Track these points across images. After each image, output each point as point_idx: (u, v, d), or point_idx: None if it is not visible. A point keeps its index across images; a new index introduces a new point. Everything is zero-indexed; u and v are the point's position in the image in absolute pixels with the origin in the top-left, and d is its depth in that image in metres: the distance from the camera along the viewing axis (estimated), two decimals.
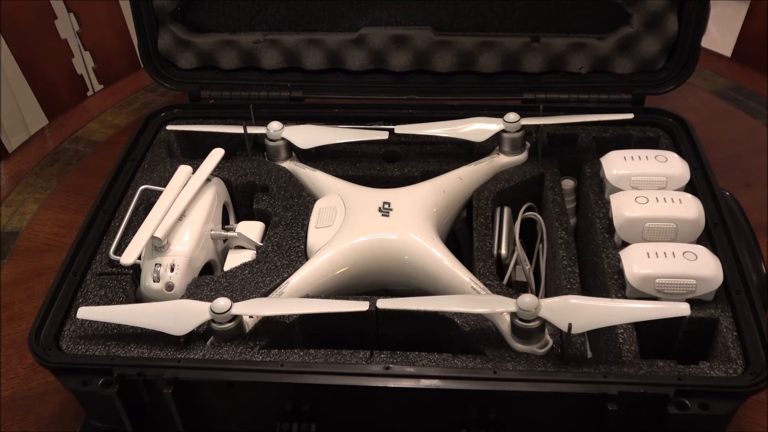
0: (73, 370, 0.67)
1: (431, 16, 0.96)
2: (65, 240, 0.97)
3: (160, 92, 1.26)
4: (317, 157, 0.92)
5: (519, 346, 0.67)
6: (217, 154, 0.86)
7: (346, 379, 0.64)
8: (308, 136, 0.90)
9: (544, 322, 0.66)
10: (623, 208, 0.75)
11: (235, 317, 0.68)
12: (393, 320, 0.71)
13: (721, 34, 1.80)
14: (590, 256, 0.80)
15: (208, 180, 0.84)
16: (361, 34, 0.97)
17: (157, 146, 0.94)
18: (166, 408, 0.67)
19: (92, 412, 0.72)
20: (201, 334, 0.70)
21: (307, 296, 0.74)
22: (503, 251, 0.81)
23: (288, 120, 0.92)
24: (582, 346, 0.69)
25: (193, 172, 0.84)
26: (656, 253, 0.70)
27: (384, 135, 0.91)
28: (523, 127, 0.87)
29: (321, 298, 0.75)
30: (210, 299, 0.69)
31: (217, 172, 0.88)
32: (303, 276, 0.75)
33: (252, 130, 0.91)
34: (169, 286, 0.75)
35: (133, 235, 0.77)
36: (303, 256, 0.79)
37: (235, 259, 0.80)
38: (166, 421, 0.68)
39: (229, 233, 0.83)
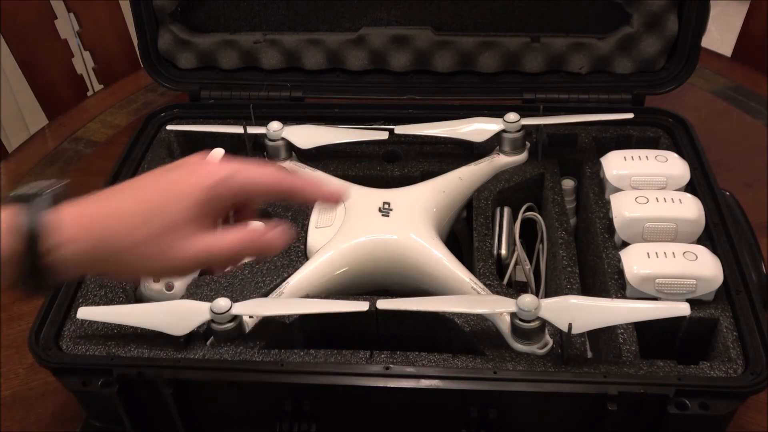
0: (73, 370, 0.67)
1: (431, 16, 0.96)
2: None
3: (160, 92, 1.25)
4: (317, 157, 0.92)
5: (519, 346, 0.67)
6: (217, 154, 0.86)
7: (346, 379, 0.64)
8: (308, 136, 0.90)
9: (544, 322, 0.66)
10: (623, 208, 0.75)
11: (235, 317, 0.68)
12: (393, 320, 0.71)
13: (721, 34, 1.80)
14: (590, 256, 0.80)
15: None
16: (361, 34, 0.97)
17: (157, 146, 0.94)
18: (166, 408, 0.67)
19: (92, 412, 0.71)
20: (201, 334, 0.70)
21: (307, 296, 0.74)
22: (503, 251, 0.81)
23: (288, 120, 0.92)
24: (582, 346, 0.69)
25: None
26: (656, 253, 0.70)
27: (384, 135, 0.91)
28: (523, 127, 0.87)
29: (321, 298, 0.75)
30: (210, 299, 0.68)
31: None
32: (303, 276, 0.75)
33: (252, 130, 0.91)
34: (169, 286, 0.75)
35: None
36: (303, 256, 0.79)
37: None
38: (166, 421, 0.68)
39: None
